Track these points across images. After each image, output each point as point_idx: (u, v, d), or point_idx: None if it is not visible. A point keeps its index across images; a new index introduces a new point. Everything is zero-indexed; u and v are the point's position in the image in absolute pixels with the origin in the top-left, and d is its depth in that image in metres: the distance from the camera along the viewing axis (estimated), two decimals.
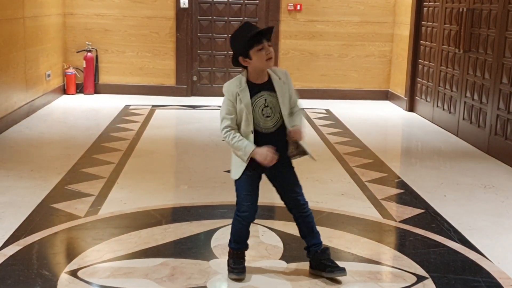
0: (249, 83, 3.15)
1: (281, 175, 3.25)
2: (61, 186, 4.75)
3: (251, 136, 3.14)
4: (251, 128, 3.13)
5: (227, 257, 3.30)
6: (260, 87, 3.15)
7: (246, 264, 3.30)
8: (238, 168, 3.19)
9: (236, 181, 3.23)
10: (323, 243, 3.33)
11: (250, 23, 3.20)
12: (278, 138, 3.17)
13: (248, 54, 3.09)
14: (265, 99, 3.14)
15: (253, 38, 3.06)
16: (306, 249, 3.34)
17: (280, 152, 3.13)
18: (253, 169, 3.16)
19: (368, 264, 3.46)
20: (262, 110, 3.13)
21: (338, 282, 3.21)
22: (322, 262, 3.27)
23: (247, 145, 3.10)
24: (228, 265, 3.27)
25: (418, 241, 3.83)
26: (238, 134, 3.13)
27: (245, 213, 3.20)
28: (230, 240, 3.29)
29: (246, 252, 3.34)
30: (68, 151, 5.86)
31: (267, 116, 3.14)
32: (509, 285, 3.24)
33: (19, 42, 7.11)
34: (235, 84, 3.15)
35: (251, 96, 3.13)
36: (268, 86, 3.16)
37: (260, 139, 3.14)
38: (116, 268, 3.31)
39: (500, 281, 3.28)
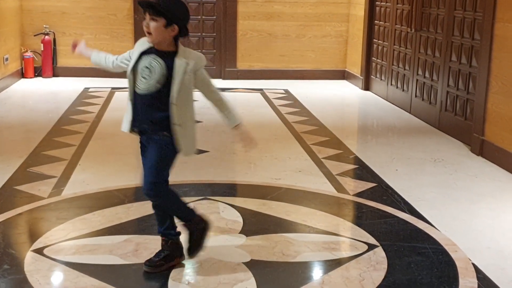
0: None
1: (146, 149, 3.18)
2: (23, 168, 4.81)
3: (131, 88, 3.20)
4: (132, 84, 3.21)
5: (189, 233, 3.42)
6: (157, 52, 3.07)
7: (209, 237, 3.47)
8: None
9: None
10: (280, 217, 3.45)
11: None
12: (146, 102, 3.16)
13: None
14: (151, 62, 3.07)
15: (140, 4, 3.01)
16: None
17: (143, 118, 3.16)
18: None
19: (323, 235, 3.64)
20: (143, 70, 3.11)
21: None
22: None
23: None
24: None
25: (371, 213, 4.03)
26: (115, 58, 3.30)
27: None
28: None
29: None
30: (29, 134, 5.91)
31: (143, 77, 3.12)
32: (454, 250, 3.45)
33: None
34: (143, 42, 3.12)
35: (145, 54, 3.10)
36: (166, 56, 3.04)
37: (135, 97, 3.22)
38: (81, 246, 3.42)
39: (446, 247, 3.50)
